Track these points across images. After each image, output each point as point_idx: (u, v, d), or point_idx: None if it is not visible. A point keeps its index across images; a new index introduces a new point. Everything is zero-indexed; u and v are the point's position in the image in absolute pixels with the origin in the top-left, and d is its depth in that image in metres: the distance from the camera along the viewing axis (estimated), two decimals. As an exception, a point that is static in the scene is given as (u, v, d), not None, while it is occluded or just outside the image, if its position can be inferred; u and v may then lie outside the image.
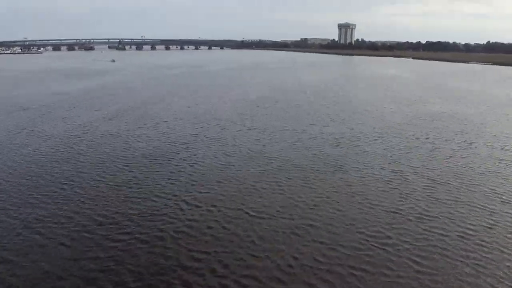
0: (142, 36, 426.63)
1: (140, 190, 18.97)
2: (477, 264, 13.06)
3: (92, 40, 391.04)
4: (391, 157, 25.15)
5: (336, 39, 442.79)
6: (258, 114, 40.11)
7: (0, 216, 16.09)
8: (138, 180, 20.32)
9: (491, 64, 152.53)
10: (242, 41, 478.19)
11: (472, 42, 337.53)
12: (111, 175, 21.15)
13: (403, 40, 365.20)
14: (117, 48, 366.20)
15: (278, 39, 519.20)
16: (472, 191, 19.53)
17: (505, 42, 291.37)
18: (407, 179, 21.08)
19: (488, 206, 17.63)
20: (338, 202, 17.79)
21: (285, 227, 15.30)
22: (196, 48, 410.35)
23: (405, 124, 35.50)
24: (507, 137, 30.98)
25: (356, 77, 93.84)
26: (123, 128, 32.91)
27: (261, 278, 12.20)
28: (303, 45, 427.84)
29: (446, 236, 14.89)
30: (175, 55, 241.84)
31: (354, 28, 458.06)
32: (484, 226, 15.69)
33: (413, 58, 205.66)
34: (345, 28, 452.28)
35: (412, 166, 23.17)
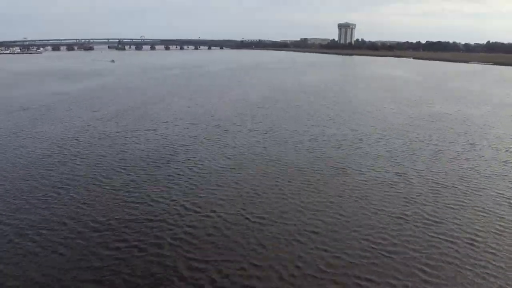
0: (141, 36, 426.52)
1: (137, 194, 18.43)
2: (487, 273, 12.54)
3: (91, 40, 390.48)
4: (394, 159, 24.63)
5: (336, 39, 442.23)
6: (258, 114, 39.56)
7: (-8, 222, 15.56)
8: (136, 184, 19.78)
9: (492, 64, 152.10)
10: (242, 41, 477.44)
11: (472, 42, 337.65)
12: (107, 178, 20.61)
13: (403, 40, 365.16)
14: (117, 48, 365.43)
15: (278, 39, 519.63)
16: (479, 195, 19.00)
17: (505, 42, 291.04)
18: (412, 182, 20.56)
19: (496, 210, 17.11)
20: (341, 207, 17.26)
21: (287, 234, 14.77)
22: (196, 48, 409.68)
23: (407, 125, 34.97)
24: (511, 138, 30.46)
25: (357, 77, 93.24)
26: (121, 129, 32.37)
27: (263, 289, 11.68)
28: (303, 45, 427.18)
29: (454, 243, 14.37)
30: (174, 55, 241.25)
31: (354, 28, 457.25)
32: (493, 232, 15.17)
33: (414, 58, 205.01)
34: (345, 28, 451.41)
35: (416, 169, 22.65)
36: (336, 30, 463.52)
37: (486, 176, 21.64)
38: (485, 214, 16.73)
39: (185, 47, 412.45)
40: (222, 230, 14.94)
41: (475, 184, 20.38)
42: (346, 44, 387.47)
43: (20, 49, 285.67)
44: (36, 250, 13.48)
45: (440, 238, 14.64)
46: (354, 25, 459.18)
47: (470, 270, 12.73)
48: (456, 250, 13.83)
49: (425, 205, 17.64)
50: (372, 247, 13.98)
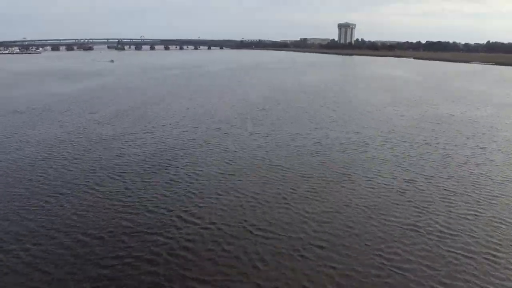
0: (141, 36, 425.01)
1: (132, 204, 17.36)
2: (511, 294, 11.51)
3: (91, 40, 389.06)
4: (401, 164, 23.59)
5: (336, 39, 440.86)
6: (259, 116, 38.50)
7: (-24, 235, 14.52)
8: (131, 192, 18.72)
9: (493, 64, 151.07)
10: (242, 41, 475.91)
11: (472, 42, 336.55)
12: (101, 186, 19.54)
13: (403, 40, 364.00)
14: (116, 48, 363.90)
15: (278, 39, 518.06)
16: (493, 203, 17.97)
17: (505, 42, 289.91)
18: (421, 189, 19.53)
19: (513, 221, 16.07)
20: (349, 218, 16.22)
21: (291, 248, 13.72)
22: (196, 48, 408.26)
23: (413, 128, 33.93)
24: (521, 141, 29.44)
25: (357, 77, 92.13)
26: (119, 132, 31.29)
27: (267, 313, 10.65)
28: (302, 45, 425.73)
29: (472, 258, 13.33)
30: (174, 55, 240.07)
31: (354, 28, 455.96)
32: (513, 246, 14.13)
33: (414, 58, 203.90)
34: (345, 28, 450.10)
35: (425, 175, 21.62)
36: (336, 30, 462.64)
37: (498, 183, 20.61)
38: (502, 226, 15.68)
39: (185, 47, 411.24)
40: (222, 245, 13.87)
41: (488, 192, 19.34)
42: (346, 44, 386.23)
43: (19, 49, 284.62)
44: (29, 260, 12.52)
45: (456, 253, 13.61)
46: (354, 25, 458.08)
47: (491, 289, 11.71)
48: (475, 267, 12.79)
49: (437, 215, 16.60)
50: (384, 263, 12.95)
